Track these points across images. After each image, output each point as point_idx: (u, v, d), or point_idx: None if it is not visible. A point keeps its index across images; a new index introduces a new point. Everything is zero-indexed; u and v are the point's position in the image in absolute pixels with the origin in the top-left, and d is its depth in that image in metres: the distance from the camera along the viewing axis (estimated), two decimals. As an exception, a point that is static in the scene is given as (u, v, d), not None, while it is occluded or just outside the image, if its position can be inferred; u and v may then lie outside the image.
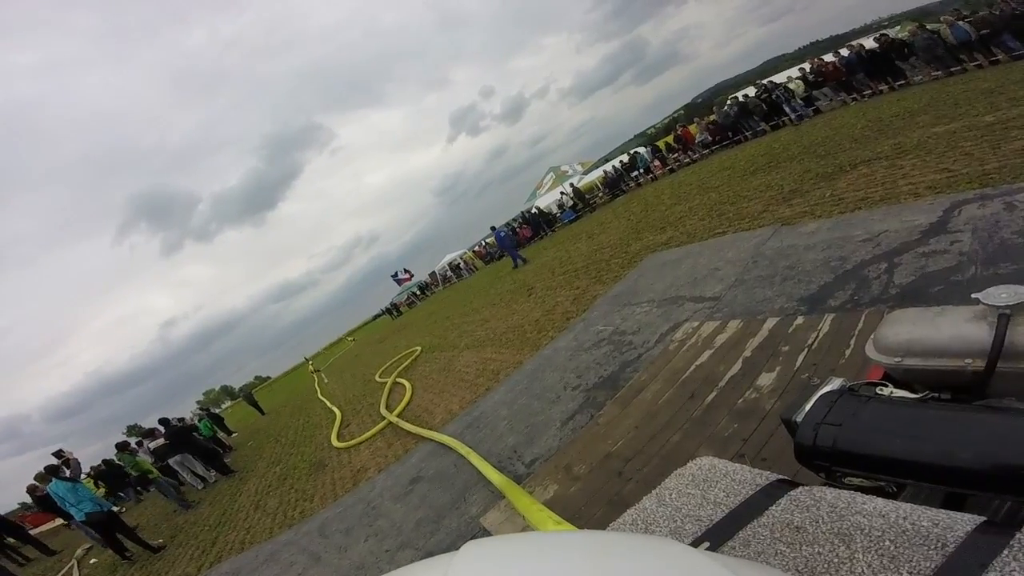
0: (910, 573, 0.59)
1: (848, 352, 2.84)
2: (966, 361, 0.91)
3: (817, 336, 3.17)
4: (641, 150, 22.08)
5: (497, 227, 21.56)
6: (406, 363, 10.67)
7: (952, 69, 11.62)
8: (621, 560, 0.44)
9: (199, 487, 9.54)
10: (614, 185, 21.96)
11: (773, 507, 0.79)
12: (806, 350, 3.09)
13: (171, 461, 9.58)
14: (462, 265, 33.71)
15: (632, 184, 21.14)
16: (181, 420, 11.56)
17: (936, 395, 0.94)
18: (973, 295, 0.92)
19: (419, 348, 11.62)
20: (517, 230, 25.44)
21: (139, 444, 10.96)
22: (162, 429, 10.40)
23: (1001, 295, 0.88)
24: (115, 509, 7.21)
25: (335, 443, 7.58)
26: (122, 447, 10.42)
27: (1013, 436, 0.72)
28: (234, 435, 16.04)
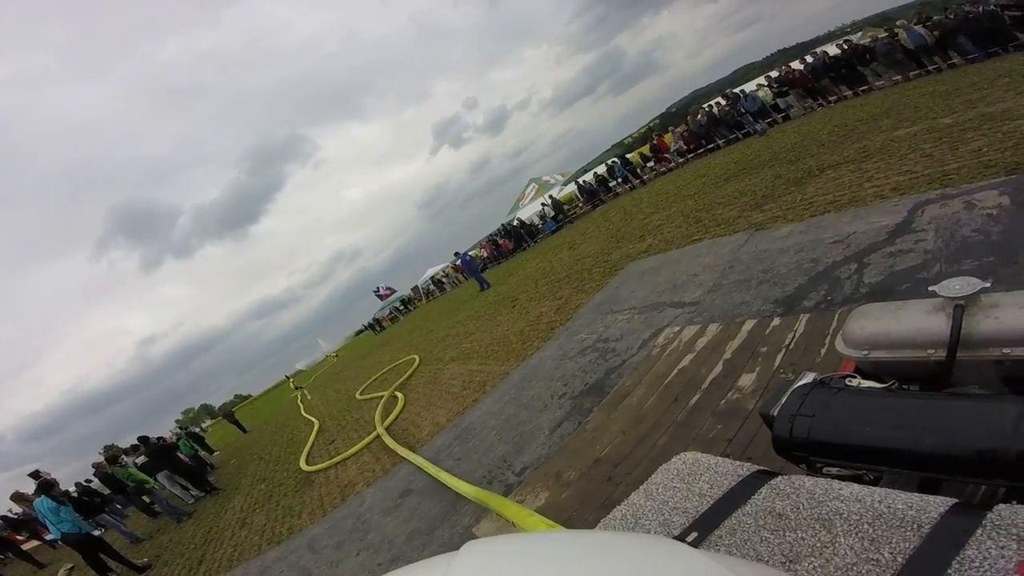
0: (891, 553, 0.61)
1: (823, 351, 2.94)
2: (928, 352, 0.96)
3: (794, 336, 3.27)
4: (616, 161, 22.45)
5: (462, 252, 21.49)
6: (403, 376, 9.85)
7: (911, 73, 12.09)
8: (621, 559, 0.45)
9: (189, 500, 9.34)
10: (593, 195, 22.22)
11: (755, 496, 0.82)
12: (784, 350, 3.18)
13: (157, 476, 9.39)
14: (445, 279, 33.58)
15: (611, 194, 21.42)
16: (160, 439, 11.27)
17: (903, 385, 1.00)
18: (930, 288, 0.98)
19: (417, 358, 10.93)
20: (499, 242, 25.52)
21: (126, 453, 10.72)
22: (142, 448, 10.19)
23: (955, 287, 0.94)
24: (97, 533, 7.04)
25: (303, 466, 7.40)
26: (112, 460, 10.18)
27: (978, 422, 0.76)
28: (216, 453, 15.67)
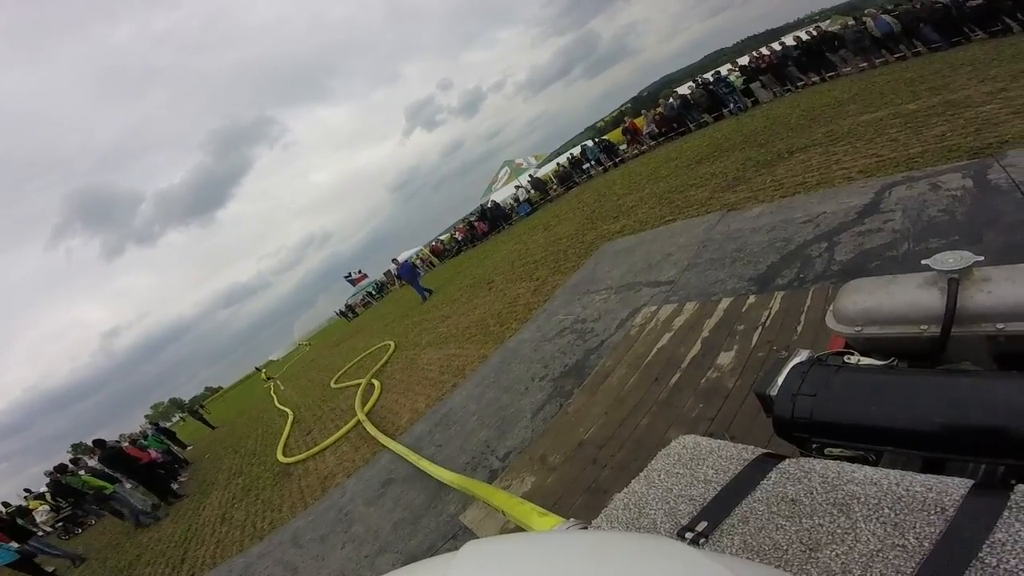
0: (916, 538, 0.59)
1: (799, 328, 3.01)
2: (921, 327, 0.95)
3: (769, 314, 3.34)
4: (589, 143, 22.43)
5: (401, 259, 20.34)
6: (379, 363, 9.69)
7: (877, 60, 12.38)
8: (622, 561, 0.44)
9: (147, 508, 8.75)
10: (567, 178, 22.22)
11: (764, 481, 0.80)
12: (760, 328, 3.24)
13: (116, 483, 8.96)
14: (418, 263, 33.21)
15: (584, 176, 21.46)
16: (101, 441, 10.44)
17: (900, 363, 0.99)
18: (923, 261, 0.96)
19: (392, 344, 10.82)
20: (475, 224, 25.38)
21: (75, 463, 10.25)
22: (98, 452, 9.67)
23: (949, 260, 0.92)
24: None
25: (280, 458, 7.32)
26: (61, 470, 9.72)
27: (987, 400, 0.74)
28: (189, 448, 15.31)
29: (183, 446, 15.02)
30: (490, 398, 4.69)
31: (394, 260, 20.70)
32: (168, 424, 21.49)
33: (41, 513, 12.84)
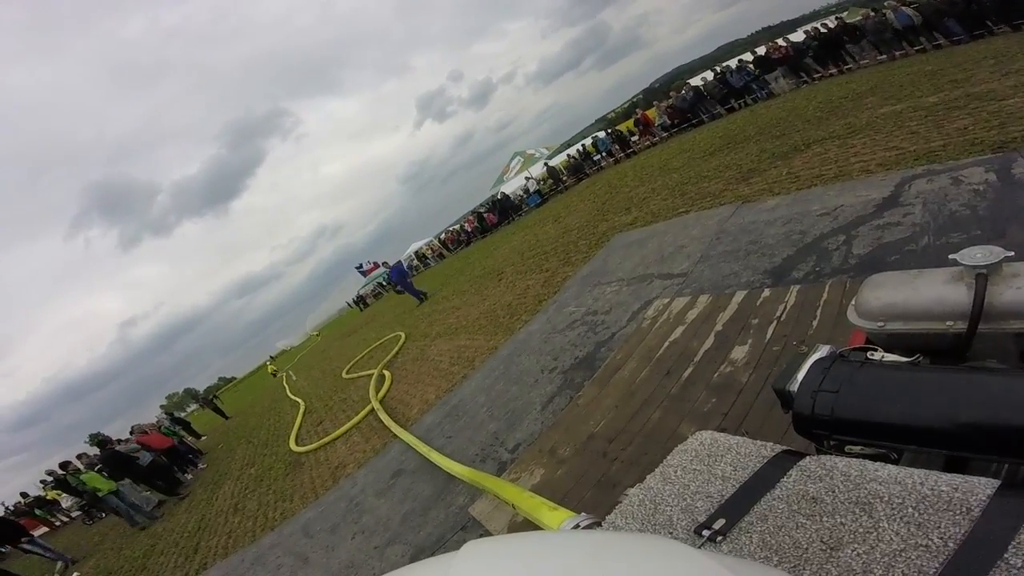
0: (941, 538, 0.58)
1: (815, 323, 2.96)
2: (947, 323, 0.92)
3: (785, 308, 3.29)
4: (600, 134, 22.22)
5: (392, 263, 19.92)
6: (390, 354, 9.70)
7: (896, 53, 12.12)
8: (623, 561, 0.44)
9: (148, 507, 8.71)
10: (578, 169, 22.09)
11: (785, 479, 0.78)
12: (775, 322, 3.19)
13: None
14: (429, 254, 33.40)
15: (595, 168, 21.31)
16: (113, 441, 10.49)
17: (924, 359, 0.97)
18: (951, 256, 0.93)
19: (403, 334, 10.86)
20: (485, 215, 25.39)
21: (79, 458, 10.39)
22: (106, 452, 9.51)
23: (977, 255, 0.89)
24: None
25: (293, 447, 7.42)
26: (64, 467, 9.86)
27: (1013, 398, 0.72)
28: (203, 438, 15.55)
29: (198, 436, 15.25)
30: (500, 390, 4.69)
31: (384, 263, 20.48)
32: (183, 414, 21.81)
33: (66, 499, 13.17)
